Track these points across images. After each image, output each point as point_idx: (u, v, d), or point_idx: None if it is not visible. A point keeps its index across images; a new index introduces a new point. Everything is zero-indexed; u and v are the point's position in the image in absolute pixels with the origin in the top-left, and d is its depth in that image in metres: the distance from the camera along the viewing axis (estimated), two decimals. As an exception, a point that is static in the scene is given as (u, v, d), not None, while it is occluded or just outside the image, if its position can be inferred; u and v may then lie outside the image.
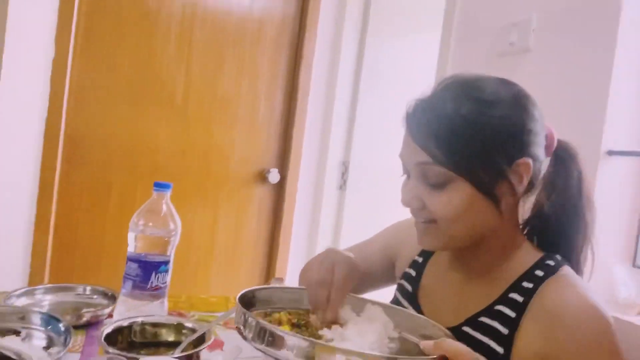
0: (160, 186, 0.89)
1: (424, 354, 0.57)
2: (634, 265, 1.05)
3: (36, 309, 0.83)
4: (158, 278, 0.87)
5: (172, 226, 0.89)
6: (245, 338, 0.61)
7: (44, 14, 1.73)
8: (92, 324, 0.94)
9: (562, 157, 0.74)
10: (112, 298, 1.01)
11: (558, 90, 1.12)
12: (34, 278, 1.79)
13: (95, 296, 1.04)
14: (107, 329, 0.74)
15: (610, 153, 1.02)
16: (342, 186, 2.29)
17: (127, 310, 0.87)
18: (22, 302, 0.96)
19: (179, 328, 0.79)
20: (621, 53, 1.01)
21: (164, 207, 0.89)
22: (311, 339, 0.58)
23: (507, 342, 0.67)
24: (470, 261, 0.76)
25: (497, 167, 0.67)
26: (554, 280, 0.68)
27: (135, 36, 1.92)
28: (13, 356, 0.57)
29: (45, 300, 1.00)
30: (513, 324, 0.67)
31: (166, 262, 0.89)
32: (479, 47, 1.41)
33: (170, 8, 1.96)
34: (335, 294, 0.70)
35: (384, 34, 2.23)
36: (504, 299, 0.70)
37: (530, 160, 0.69)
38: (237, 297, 0.68)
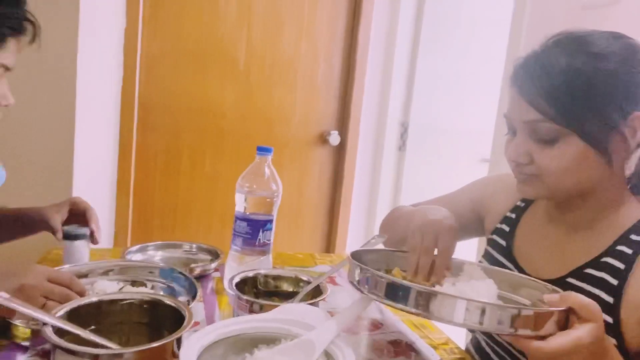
0: (262, 150, 0.95)
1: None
2: None
3: (162, 265, 0.91)
4: (265, 235, 0.94)
5: (274, 187, 0.95)
6: (361, 291, 0.65)
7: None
8: (201, 277, 1.03)
9: None
10: (215, 254, 1.10)
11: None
12: (119, 237, 1.93)
13: (199, 253, 1.12)
14: (235, 278, 0.81)
15: None
16: (402, 147, 2.30)
17: (238, 265, 0.94)
18: (137, 257, 1.06)
19: (296, 280, 0.85)
20: None
21: (267, 170, 0.95)
22: (436, 289, 0.61)
23: (616, 292, 0.69)
24: (573, 213, 0.78)
25: (611, 122, 0.68)
26: None
27: (198, 2, 1.94)
28: (172, 304, 0.64)
29: (157, 256, 1.09)
30: (622, 275, 0.69)
31: (271, 221, 0.95)
32: None
33: (231, -28, 1.97)
34: (439, 261, 0.74)
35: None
36: (611, 252, 0.72)
37: None
38: (350, 254, 0.73)
